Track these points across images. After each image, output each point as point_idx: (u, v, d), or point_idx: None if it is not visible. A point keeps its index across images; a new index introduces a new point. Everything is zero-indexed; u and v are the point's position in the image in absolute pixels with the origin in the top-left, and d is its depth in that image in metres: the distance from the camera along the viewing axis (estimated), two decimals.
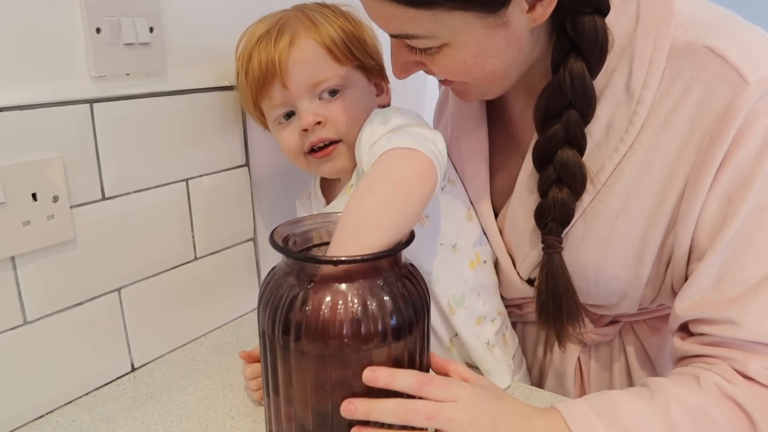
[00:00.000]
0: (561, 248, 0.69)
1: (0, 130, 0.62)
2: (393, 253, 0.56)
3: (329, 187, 0.84)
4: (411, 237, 0.58)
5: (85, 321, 0.72)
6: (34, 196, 0.65)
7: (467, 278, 0.75)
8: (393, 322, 0.54)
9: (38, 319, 0.68)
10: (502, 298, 0.81)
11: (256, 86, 0.73)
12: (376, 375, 0.53)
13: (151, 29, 0.74)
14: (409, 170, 0.59)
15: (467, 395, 0.55)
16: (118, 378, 0.77)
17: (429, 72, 0.67)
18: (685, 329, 0.65)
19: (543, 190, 0.68)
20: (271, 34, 0.72)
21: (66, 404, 0.72)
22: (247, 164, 0.90)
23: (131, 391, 0.74)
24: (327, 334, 0.53)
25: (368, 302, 0.54)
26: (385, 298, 0.55)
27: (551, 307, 0.70)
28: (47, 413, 0.70)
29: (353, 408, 0.53)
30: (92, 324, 0.73)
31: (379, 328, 0.54)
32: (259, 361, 0.68)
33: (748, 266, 0.59)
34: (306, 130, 0.72)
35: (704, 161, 0.61)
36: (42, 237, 0.66)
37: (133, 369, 0.79)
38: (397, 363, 0.56)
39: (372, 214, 0.57)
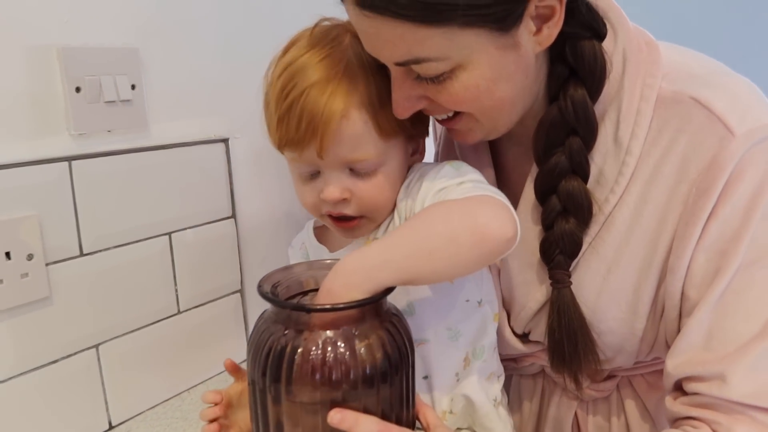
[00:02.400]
0: (570, 282, 0.66)
1: None
2: (377, 299, 0.56)
3: (329, 234, 0.78)
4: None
5: (61, 379, 0.72)
6: (7, 254, 0.65)
7: (490, 332, 0.71)
8: (381, 366, 0.55)
9: (10, 378, 0.67)
10: None
11: (288, 139, 0.63)
12: (341, 417, 0.53)
13: (133, 86, 0.75)
14: (505, 225, 0.56)
15: None
16: None
17: (429, 111, 0.64)
18: (679, 388, 0.62)
19: (547, 222, 0.66)
20: (324, 90, 0.60)
21: None
22: (233, 215, 0.90)
23: None
24: (314, 382, 0.54)
25: (356, 348, 0.55)
26: (378, 340, 0.56)
27: (566, 346, 0.66)
28: None
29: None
30: (68, 381, 0.72)
31: (368, 372, 0.55)
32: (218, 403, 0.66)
33: (738, 323, 0.57)
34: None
35: (692, 214, 0.59)
36: (15, 295, 0.66)
37: (111, 427, 0.77)
38: (385, 407, 0.57)
39: (436, 242, 0.55)
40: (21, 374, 0.68)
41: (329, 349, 0.55)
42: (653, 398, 0.76)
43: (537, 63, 0.62)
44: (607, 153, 0.64)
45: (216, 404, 0.65)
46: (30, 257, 0.67)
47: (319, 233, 0.78)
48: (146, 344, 0.80)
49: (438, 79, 0.59)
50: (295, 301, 0.62)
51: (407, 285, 0.58)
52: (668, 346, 0.64)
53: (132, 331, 0.79)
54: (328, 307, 0.56)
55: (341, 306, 0.56)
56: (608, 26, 0.62)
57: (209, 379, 0.89)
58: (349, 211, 0.66)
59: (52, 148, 0.69)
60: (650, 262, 0.63)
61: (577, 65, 0.61)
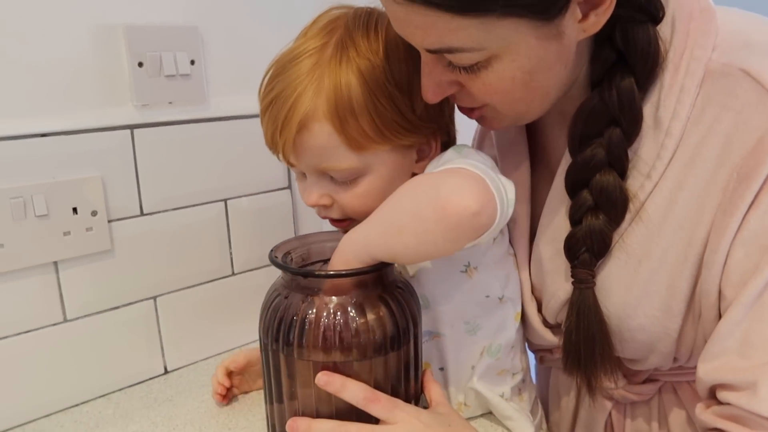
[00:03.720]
0: (594, 283, 0.62)
1: (47, 152, 0.72)
2: (370, 271, 0.58)
3: None
4: None
5: (121, 324, 0.80)
6: (74, 210, 0.74)
7: (510, 330, 0.69)
8: (388, 332, 0.58)
9: (77, 318, 0.77)
10: (530, 342, 0.76)
11: (266, 139, 0.64)
12: (328, 380, 0.56)
13: (192, 62, 0.81)
14: (466, 197, 0.51)
15: (408, 420, 0.55)
16: (150, 378, 0.84)
17: (458, 98, 0.62)
18: (713, 396, 0.56)
19: (576, 217, 0.62)
20: (281, 108, 0.59)
21: (100, 397, 0.80)
22: (289, 186, 0.94)
23: (156, 392, 0.81)
24: (319, 346, 0.57)
25: (366, 314, 0.58)
26: (380, 309, 0.58)
27: (582, 351, 0.63)
28: (81, 403, 0.78)
29: (296, 425, 0.57)
30: (128, 327, 0.81)
31: (376, 337, 0.57)
32: (230, 372, 0.76)
33: None
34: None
35: (731, 202, 0.53)
36: (81, 246, 0.75)
37: (166, 372, 0.86)
38: (389, 374, 0.59)
39: (402, 219, 0.54)
40: (86, 316, 0.77)
41: (329, 315, 0.57)
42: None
43: (578, 49, 0.57)
44: (644, 133, 0.58)
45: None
46: (94, 213, 0.75)
47: None
48: (201, 300, 0.87)
49: (471, 68, 0.55)
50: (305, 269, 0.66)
51: (392, 262, 0.58)
52: None
53: (188, 287, 0.86)
54: (331, 273, 0.59)
55: (343, 273, 0.58)
56: None
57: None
58: (333, 215, 0.66)
59: (117, 117, 0.77)
60: (685, 255, 0.57)
61: (627, 51, 0.56)
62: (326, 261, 0.68)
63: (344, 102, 0.58)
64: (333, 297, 0.58)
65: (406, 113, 0.61)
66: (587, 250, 0.61)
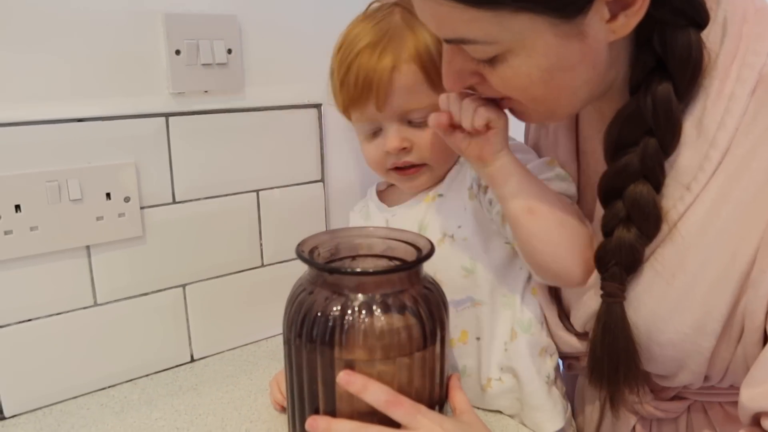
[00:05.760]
0: (623, 297, 0.59)
1: (83, 137, 0.72)
2: (416, 264, 0.59)
3: (390, 194, 0.82)
4: (432, 251, 0.60)
5: (150, 310, 0.81)
6: (108, 195, 0.74)
7: (530, 305, 0.71)
8: (414, 333, 0.57)
9: (107, 302, 0.77)
10: (558, 349, 0.73)
11: (350, 99, 0.70)
12: (350, 379, 0.55)
13: (230, 51, 0.80)
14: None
15: (430, 427, 0.54)
16: (177, 366, 0.85)
17: (479, 89, 0.60)
18: (757, 423, 0.53)
19: (607, 228, 0.59)
20: (374, 50, 0.68)
21: (127, 381, 0.81)
22: (322, 179, 0.93)
23: (181, 380, 0.81)
24: (342, 344, 0.56)
25: (392, 313, 0.57)
26: (407, 310, 0.58)
27: (606, 365, 0.60)
28: (108, 387, 0.79)
29: (316, 425, 0.56)
30: (157, 314, 0.81)
31: (401, 338, 0.57)
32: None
33: None
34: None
35: None
36: (113, 231, 0.75)
37: (192, 360, 0.86)
38: (413, 377, 0.58)
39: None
40: (116, 300, 0.78)
41: (354, 313, 0.56)
42: (730, 430, 0.66)
43: (614, 50, 0.54)
44: (686, 142, 0.55)
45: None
46: (127, 200, 0.76)
47: (381, 195, 0.82)
48: (230, 290, 0.87)
49: (489, 61, 0.54)
50: (332, 264, 0.64)
51: None
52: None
53: (217, 277, 0.86)
54: (358, 270, 0.59)
55: (370, 271, 0.58)
56: None
57: None
58: (411, 159, 0.71)
59: (153, 105, 0.77)
60: (725, 273, 0.53)
61: (665, 57, 0.53)
62: (354, 257, 0.67)
63: (423, 50, 0.67)
64: (359, 294, 0.57)
65: None
66: (617, 264, 0.58)
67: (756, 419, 0.52)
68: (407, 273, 0.59)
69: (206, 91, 0.80)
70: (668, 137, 0.54)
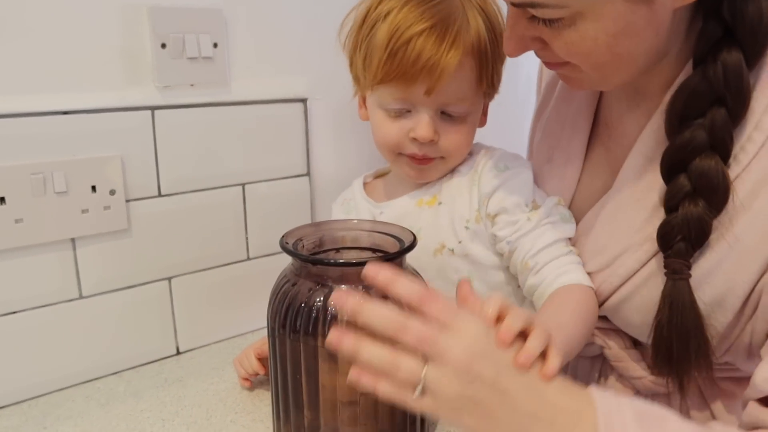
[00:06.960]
0: (689, 274, 0.58)
1: (68, 130, 0.72)
2: (398, 255, 0.59)
3: (376, 189, 0.81)
4: (414, 242, 0.60)
5: (136, 303, 0.81)
6: (93, 188, 0.74)
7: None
8: None
9: (93, 295, 0.78)
10: None
11: (397, 74, 0.66)
12: (378, 270, 0.47)
13: (215, 45, 0.81)
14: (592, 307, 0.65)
15: (476, 331, 0.45)
16: (162, 358, 0.85)
17: (540, 54, 0.61)
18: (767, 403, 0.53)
19: (671, 204, 0.58)
20: (442, 34, 0.65)
21: (112, 374, 0.81)
22: (308, 173, 0.94)
23: (167, 372, 0.82)
24: (325, 334, 0.55)
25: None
26: (389, 300, 0.56)
27: (675, 347, 0.59)
28: (93, 379, 0.79)
29: (341, 338, 0.46)
30: (142, 306, 0.82)
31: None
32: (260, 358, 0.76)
33: None
34: (415, 139, 0.69)
35: None
36: (98, 224, 0.76)
37: (178, 352, 0.86)
38: None
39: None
40: (101, 293, 0.78)
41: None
42: (721, 405, 0.68)
43: (675, 18, 0.55)
44: (758, 123, 0.55)
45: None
46: (112, 192, 0.76)
47: (368, 188, 0.82)
48: (215, 283, 0.88)
49: (554, 24, 0.54)
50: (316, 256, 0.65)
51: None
52: (748, 353, 0.56)
53: (203, 270, 0.86)
54: (341, 261, 0.59)
55: (353, 262, 0.58)
56: None
57: None
58: (432, 153, 0.71)
59: (138, 98, 0.77)
60: (756, 252, 0.55)
61: (735, 25, 0.53)
62: (338, 249, 0.67)
63: (484, 45, 0.68)
64: (342, 286, 0.58)
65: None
66: (683, 239, 0.57)
67: (766, 400, 0.52)
68: (389, 264, 0.59)
69: (192, 85, 0.81)
70: (738, 107, 0.55)
